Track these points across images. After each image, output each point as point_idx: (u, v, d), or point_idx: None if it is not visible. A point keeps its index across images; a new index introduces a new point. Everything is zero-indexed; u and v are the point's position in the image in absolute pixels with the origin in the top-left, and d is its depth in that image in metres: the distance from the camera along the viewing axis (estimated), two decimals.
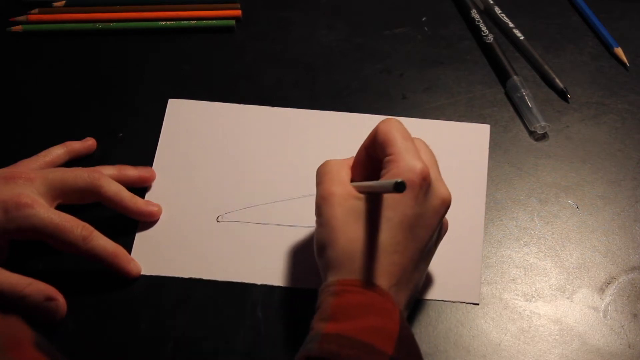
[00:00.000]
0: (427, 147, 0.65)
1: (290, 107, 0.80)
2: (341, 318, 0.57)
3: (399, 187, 0.55)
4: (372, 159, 0.64)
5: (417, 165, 0.60)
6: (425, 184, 0.60)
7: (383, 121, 0.64)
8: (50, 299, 0.67)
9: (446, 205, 0.62)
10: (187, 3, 0.88)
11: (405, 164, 0.60)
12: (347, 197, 0.61)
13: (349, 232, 0.60)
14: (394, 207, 0.60)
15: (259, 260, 0.72)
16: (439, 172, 0.64)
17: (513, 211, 0.74)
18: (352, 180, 0.64)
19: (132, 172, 0.75)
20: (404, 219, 0.60)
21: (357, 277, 0.59)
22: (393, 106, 0.81)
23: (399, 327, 0.57)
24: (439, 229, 0.64)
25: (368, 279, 0.59)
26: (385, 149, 0.62)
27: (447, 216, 0.66)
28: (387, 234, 0.60)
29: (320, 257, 0.62)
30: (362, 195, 0.61)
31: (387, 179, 0.60)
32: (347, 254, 0.60)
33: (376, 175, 0.63)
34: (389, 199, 0.60)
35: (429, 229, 0.61)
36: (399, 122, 0.64)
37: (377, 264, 0.59)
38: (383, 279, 0.59)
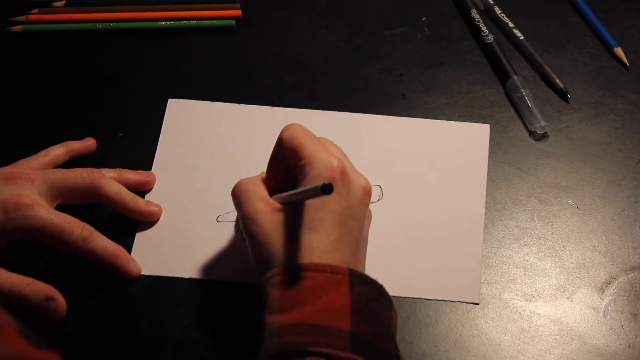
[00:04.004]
0: (333, 143, 0.65)
1: (290, 107, 0.80)
2: (290, 307, 0.57)
3: (327, 188, 0.55)
4: (283, 168, 0.64)
5: (333, 162, 0.61)
6: (344, 177, 0.61)
7: (285, 129, 0.64)
8: (50, 298, 0.67)
9: (368, 192, 0.63)
10: (187, 3, 0.88)
11: (320, 163, 0.61)
12: (273, 212, 0.62)
13: (285, 244, 0.60)
14: (321, 208, 0.60)
15: None
16: (351, 163, 0.64)
17: (513, 211, 0.74)
18: (270, 195, 0.64)
19: (132, 175, 0.75)
20: (334, 215, 0.60)
21: (297, 262, 0.59)
22: (393, 106, 0.81)
23: (350, 298, 0.57)
24: (368, 217, 0.64)
25: (309, 261, 0.59)
26: (296, 154, 0.62)
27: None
28: (323, 234, 0.59)
29: (263, 275, 0.61)
30: (286, 207, 0.61)
31: (308, 183, 0.60)
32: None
33: (290, 184, 0.63)
34: (314, 201, 0.60)
35: (359, 219, 0.62)
36: (300, 125, 0.64)
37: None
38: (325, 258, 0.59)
